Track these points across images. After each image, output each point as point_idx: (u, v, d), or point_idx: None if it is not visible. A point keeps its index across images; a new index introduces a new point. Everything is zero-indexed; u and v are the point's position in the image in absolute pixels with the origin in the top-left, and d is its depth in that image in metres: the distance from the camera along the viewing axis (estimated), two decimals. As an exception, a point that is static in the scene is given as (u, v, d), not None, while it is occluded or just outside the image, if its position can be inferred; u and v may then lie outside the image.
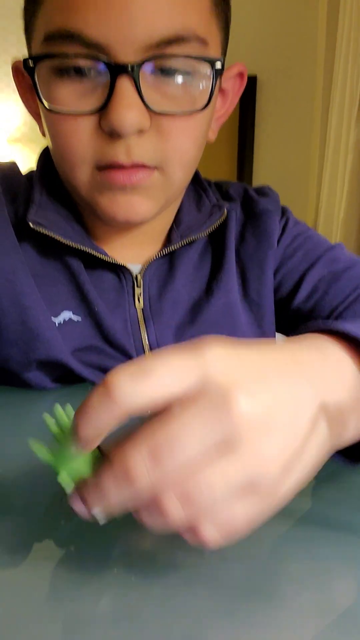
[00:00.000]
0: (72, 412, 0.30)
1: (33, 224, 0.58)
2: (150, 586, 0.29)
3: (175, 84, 0.51)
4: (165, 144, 0.53)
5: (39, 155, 0.66)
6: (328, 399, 0.30)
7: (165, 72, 0.50)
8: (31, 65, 0.51)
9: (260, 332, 0.69)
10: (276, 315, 0.71)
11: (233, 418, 0.25)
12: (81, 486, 0.28)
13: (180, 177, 0.57)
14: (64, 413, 0.31)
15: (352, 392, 0.32)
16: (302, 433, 0.28)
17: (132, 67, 0.48)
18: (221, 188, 0.74)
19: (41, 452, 0.30)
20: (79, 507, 0.28)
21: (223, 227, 0.68)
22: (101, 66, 0.49)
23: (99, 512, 0.27)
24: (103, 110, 0.50)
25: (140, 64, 0.48)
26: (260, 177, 3.08)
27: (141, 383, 0.26)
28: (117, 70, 0.48)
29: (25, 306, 0.57)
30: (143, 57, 0.49)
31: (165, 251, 0.64)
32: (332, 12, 2.79)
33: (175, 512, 0.26)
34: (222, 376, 0.26)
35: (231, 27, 0.58)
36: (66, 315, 0.61)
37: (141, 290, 0.64)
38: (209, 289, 0.66)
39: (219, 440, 0.26)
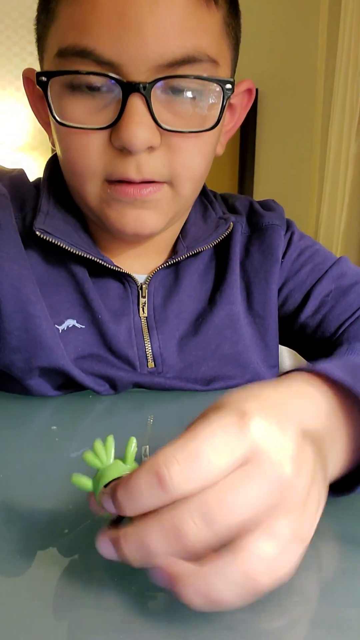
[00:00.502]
0: (111, 445, 0.31)
1: (40, 232, 0.58)
2: (150, 597, 0.29)
3: (185, 103, 0.52)
4: (175, 160, 0.54)
5: (46, 163, 0.67)
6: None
7: (176, 91, 0.52)
8: (44, 80, 0.52)
9: (263, 345, 0.69)
10: (282, 329, 0.72)
11: (284, 485, 0.27)
12: (117, 532, 0.27)
13: (189, 192, 0.58)
14: (103, 447, 0.32)
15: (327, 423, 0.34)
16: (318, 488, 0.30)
17: (144, 86, 0.49)
18: (227, 201, 0.75)
19: (81, 483, 0.31)
20: (106, 549, 0.28)
21: (228, 239, 0.69)
22: (113, 84, 0.50)
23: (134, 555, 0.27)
24: (114, 126, 0.51)
25: (152, 83, 0.49)
26: (261, 189, 3.09)
27: (192, 471, 0.26)
28: (129, 88, 0.49)
29: (30, 314, 0.57)
30: (155, 76, 0.50)
31: (171, 262, 0.64)
32: (332, 25, 2.81)
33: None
34: (269, 448, 0.28)
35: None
36: (70, 322, 0.61)
37: (146, 299, 0.64)
38: (212, 300, 0.67)
39: (271, 505, 0.27)
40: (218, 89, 0.53)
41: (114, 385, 0.62)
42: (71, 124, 0.52)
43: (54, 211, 0.62)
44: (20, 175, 0.67)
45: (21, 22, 2.77)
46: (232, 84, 0.53)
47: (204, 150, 0.56)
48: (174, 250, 0.67)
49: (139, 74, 0.49)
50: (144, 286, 0.64)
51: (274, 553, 0.26)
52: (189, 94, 0.52)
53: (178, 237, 0.67)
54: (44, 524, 0.36)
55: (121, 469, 0.30)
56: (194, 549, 0.26)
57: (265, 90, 3.00)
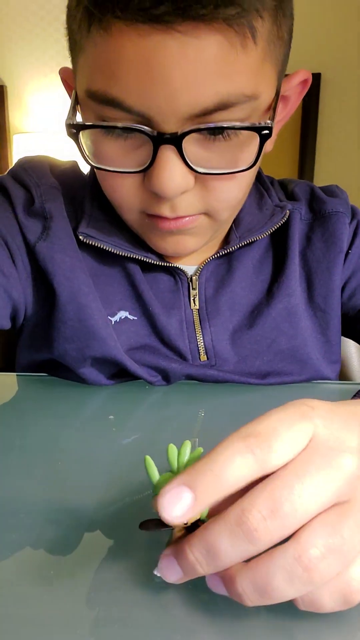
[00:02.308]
0: (197, 453, 0.30)
1: (83, 237, 0.59)
2: (150, 603, 0.29)
3: (220, 144, 0.49)
4: (210, 197, 0.52)
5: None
6: None
7: (211, 134, 0.49)
8: (74, 131, 0.50)
9: (324, 339, 0.67)
10: (345, 325, 0.69)
11: (342, 479, 0.26)
12: (179, 544, 0.26)
13: (227, 217, 0.57)
14: (187, 452, 0.30)
15: None
16: None
17: (175, 137, 0.47)
18: (286, 187, 0.72)
19: (152, 470, 0.29)
20: (168, 570, 0.27)
21: (285, 228, 0.66)
22: (144, 133, 0.48)
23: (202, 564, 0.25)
24: (147, 170, 0.49)
25: (183, 135, 0.47)
26: (322, 178, 3.01)
27: (280, 523, 0.24)
28: (159, 140, 0.47)
29: (82, 304, 0.58)
30: (186, 126, 0.47)
31: (223, 252, 0.63)
32: None
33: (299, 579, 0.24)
34: (330, 437, 0.27)
35: (293, 24, 0.54)
36: (122, 314, 0.61)
37: (197, 291, 0.63)
38: (270, 292, 0.65)
39: (333, 500, 0.26)
40: (255, 134, 0.49)
41: (166, 377, 0.62)
42: (104, 167, 0.51)
43: (98, 213, 0.62)
44: (72, 167, 0.67)
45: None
46: (270, 128, 0.49)
47: (241, 183, 0.54)
48: (227, 240, 0.65)
49: (169, 125, 0.47)
50: (194, 278, 0.63)
51: (334, 545, 0.24)
52: (224, 139, 0.49)
53: (231, 227, 0.65)
54: (99, 511, 0.36)
55: None
56: (263, 544, 0.24)
57: (329, 75, 2.91)
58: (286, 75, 0.56)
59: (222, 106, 0.46)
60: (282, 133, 0.61)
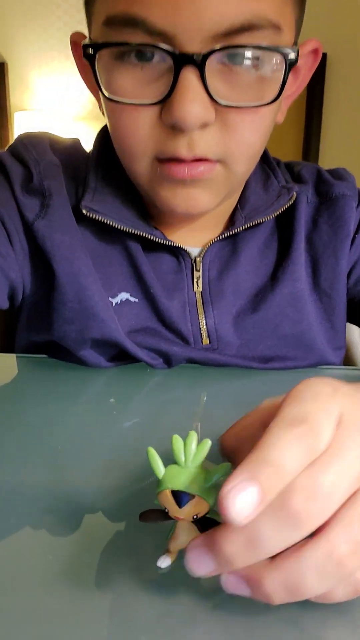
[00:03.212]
0: (205, 446, 0.27)
1: (87, 211, 0.57)
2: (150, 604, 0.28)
3: (243, 74, 0.48)
4: (230, 138, 0.50)
5: (97, 135, 0.64)
6: None
7: (234, 62, 0.47)
8: (91, 52, 0.48)
9: (329, 325, 0.66)
10: (351, 311, 0.68)
11: None
12: (212, 536, 0.25)
13: (244, 170, 0.55)
14: (194, 444, 0.28)
15: None
16: None
17: (199, 58, 0.45)
18: (292, 169, 0.70)
19: (156, 463, 0.28)
20: (197, 564, 0.25)
21: (292, 210, 0.65)
22: (165, 54, 0.46)
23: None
24: (165, 102, 0.48)
25: (207, 55, 0.45)
26: (328, 161, 2.98)
27: (322, 505, 0.24)
28: (182, 60, 0.45)
29: (82, 285, 0.57)
30: (210, 46, 0.45)
31: (228, 234, 0.62)
32: None
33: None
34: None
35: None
36: (123, 296, 0.60)
37: (200, 273, 0.62)
38: (275, 276, 0.63)
39: None
40: (280, 58, 0.48)
41: (167, 360, 0.61)
42: (119, 99, 0.49)
43: (103, 186, 0.60)
44: (74, 144, 0.66)
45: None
46: (297, 52, 0.48)
47: (262, 126, 0.52)
48: (232, 222, 0.63)
49: (193, 45, 0.45)
50: (198, 259, 0.62)
51: None
52: (248, 64, 0.47)
53: (236, 207, 0.64)
54: (99, 496, 0.36)
55: (201, 486, 0.26)
56: (307, 528, 0.24)
57: (334, 54, 2.87)
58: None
59: (248, 26, 0.45)
60: (288, 114, 0.60)
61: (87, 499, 0.36)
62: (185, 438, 0.27)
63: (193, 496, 0.26)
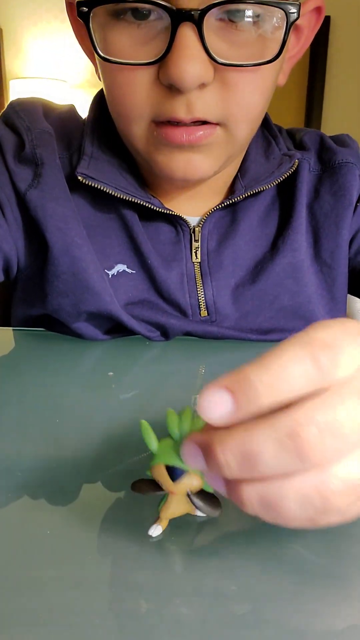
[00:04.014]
0: (200, 421, 0.26)
1: (82, 177, 0.56)
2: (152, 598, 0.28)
3: (243, 31, 0.46)
4: (229, 98, 0.49)
5: (92, 100, 0.63)
6: None
7: (233, 18, 0.45)
8: (85, 10, 0.47)
9: (330, 296, 0.65)
10: (352, 282, 0.67)
11: None
12: (209, 437, 0.23)
13: (245, 133, 0.53)
14: (190, 418, 0.27)
15: None
16: None
17: (196, 14, 0.43)
18: (294, 136, 0.69)
19: (149, 436, 0.27)
20: (193, 456, 0.23)
21: (293, 178, 0.63)
22: (162, 11, 0.45)
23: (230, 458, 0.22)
24: (162, 61, 0.46)
25: (205, 11, 0.43)
26: (330, 126, 2.92)
27: (337, 445, 0.22)
28: (179, 16, 0.44)
29: (76, 257, 0.56)
30: (208, 1, 0.44)
31: (227, 202, 0.60)
32: None
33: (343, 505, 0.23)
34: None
35: None
36: (120, 267, 0.59)
37: (199, 244, 0.61)
38: (275, 246, 0.62)
39: None
40: (281, 14, 0.46)
41: (165, 333, 0.61)
42: (115, 60, 0.48)
43: (99, 153, 0.58)
44: (69, 111, 0.64)
45: None
46: (298, 7, 0.46)
47: (263, 86, 0.50)
48: (232, 190, 0.62)
49: (190, 1, 0.44)
50: (196, 229, 0.60)
51: (335, 429, 0.21)
52: (248, 21, 0.45)
53: (236, 176, 0.62)
54: (97, 469, 0.36)
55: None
56: (312, 463, 0.22)
57: (338, 17, 2.79)
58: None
59: None
60: (290, 78, 0.58)
61: (85, 471, 0.36)
62: (180, 412, 0.27)
63: (187, 471, 0.26)
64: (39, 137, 0.58)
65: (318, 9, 0.56)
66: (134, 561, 0.27)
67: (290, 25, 0.47)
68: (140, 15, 0.46)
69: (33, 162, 0.57)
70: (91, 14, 0.47)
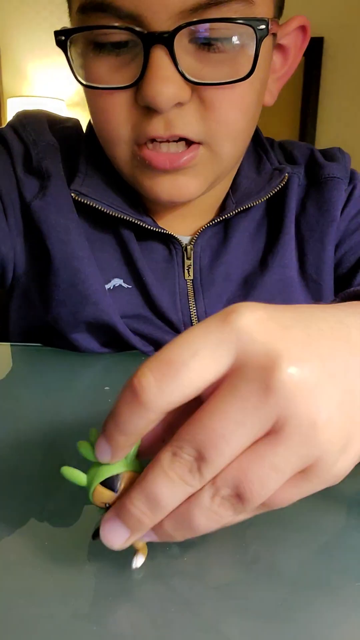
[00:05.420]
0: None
1: (76, 195, 0.57)
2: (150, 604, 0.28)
3: (215, 50, 0.47)
4: (208, 116, 0.49)
5: (89, 121, 0.64)
6: None
7: (203, 39, 0.46)
8: (62, 39, 0.48)
9: None
10: (335, 293, 0.67)
11: (277, 399, 0.22)
12: (117, 505, 0.25)
13: (230, 152, 0.53)
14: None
15: None
16: (357, 405, 0.24)
17: (166, 36, 0.45)
18: (286, 149, 0.69)
19: (74, 476, 0.27)
20: (112, 534, 0.25)
21: (283, 193, 0.63)
22: (135, 37, 0.46)
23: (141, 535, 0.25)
24: (138, 84, 0.47)
25: (175, 32, 0.45)
26: (322, 146, 2.96)
27: (170, 381, 0.23)
28: (150, 39, 0.45)
29: (76, 268, 0.56)
30: (177, 24, 0.45)
31: (218, 220, 0.61)
32: None
33: (228, 511, 0.24)
34: (259, 350, 0.22)
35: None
36: (116, 282, 0.60)
37: (191, 262, 0.61)
38: (264, 262, 0.63)
39: (265, 428, 0.23)
40: (250, 31, 0.47)
41: (159, 348, 0.61)
42: (93, 85, 0.49)
43: (93, 171, 0.59)
44: (73, 126, 0.65)
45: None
46: (266, 23, 0.47)
47: (242, 103, 0.50)
48: (223, 207, 0.63)
49: (160, 23, 0.45)
50: (189, 247, 0.61)
51: (270, 490, 0.23)
52: (218, 41, 0.47)
53: (228, 193, 0.63)
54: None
55: (122, 463, 0.26)
56: (199, 484, 0.24)
57: (332, 39, 2.84)
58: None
59: (215, 1, 0.45)
60: (283, 97, 0.59)
61: (82, 488, 0.36)
62: (89, 438, 0.28)
63: (121, 475, 0.26)
64: (44, 151, 0.59)
65: (303, 28, 0.57)
66: (131, 571, 0.28)
67: (259, 42, 0.47)
68: (117, 44, 0.47)
69: (40, 174, 0.58)
70: (69, 43, 0.49)
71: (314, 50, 2.88)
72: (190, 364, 0.23)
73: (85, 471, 0.27)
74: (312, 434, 0.22)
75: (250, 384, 0.22)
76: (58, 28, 0.54)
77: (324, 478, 0.24)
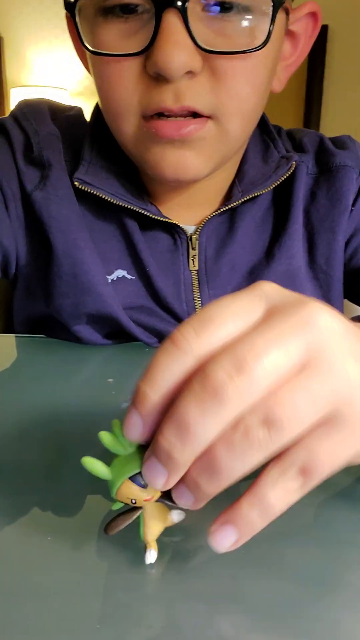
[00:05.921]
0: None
1: (80, 184, 0.56)
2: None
3: (229, 19, 0.46)
4: (219, 88, 0.48)
5: (93, 107, 0.63)
6: None
7: (218, 5, 0.45)
8: (71, 1, 0.47)
9: (326, 302, 0.64)
10: (348, 287, 0.66)
11: (316, 328, 0.24)
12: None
13: (238, 129, 0.52)
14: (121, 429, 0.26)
15: None
16: None
17: (180, 0, 0.43)
18: (294, 137, 0.67)
19: (95, 467, 0.26)
20: (152, 470, 0.24)
21: (291, 182, 0.62)
22: (147, 2, 0.44)
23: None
24: (148, 50, 0.46)
25: None
26: (327, 134, 2.94)
27: (206, 331, 0.23)
28: (163, 4, 0.43)
29: (78, 259, 0.56)
30: None
31: (223, 209, 0.60)
32: None
33: (263, 437, 0.22)
34: (291, 299, 0.26)
35: None
36: (120, 273, 0.60)
37: (196, 252, 0.61)
38: (270, 252, 0.62)
39: (302, 355, 0.23)
40: (266, 1, 0.45)
41: (162, 339, 0.61)
42: (101, 51, 0.47)
43: (97, 159, 0.58)
44: (76, 114, 0.64)
45: None
46: None
47: (254, 77, 0.49)
48: (229, 196, 0.61)
49: None
50: (194, 237, 0.60)
51: (304, 418, 0.23)
52: (233, 8, 0.45)
53: (234, 181, 0.61)
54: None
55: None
56: (234, 405, 0.22)
57: (336, 27, 2.81)
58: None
59: None
60: (288, 85, 0.58)
61: (86, 478, 0.36)
62: (112, 429, 0.26)
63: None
64: (45, 140, 0.58)
65: (313, 15, 0.55)
66: (135, 567, 0.27)
67: (276, 11, 0.46)
68: (126, 10, 0.46)
69: (41, 164, 0.57)
70: (78, 7, 0.47)
71: (318, 38, 2.83)
72: (226, 316, 0.24)
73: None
74: (343, 368, 0.24)
75: (286, 317, 0.24)
76: (62, 18, 0.53)
77: (352, 421, 0.24)
